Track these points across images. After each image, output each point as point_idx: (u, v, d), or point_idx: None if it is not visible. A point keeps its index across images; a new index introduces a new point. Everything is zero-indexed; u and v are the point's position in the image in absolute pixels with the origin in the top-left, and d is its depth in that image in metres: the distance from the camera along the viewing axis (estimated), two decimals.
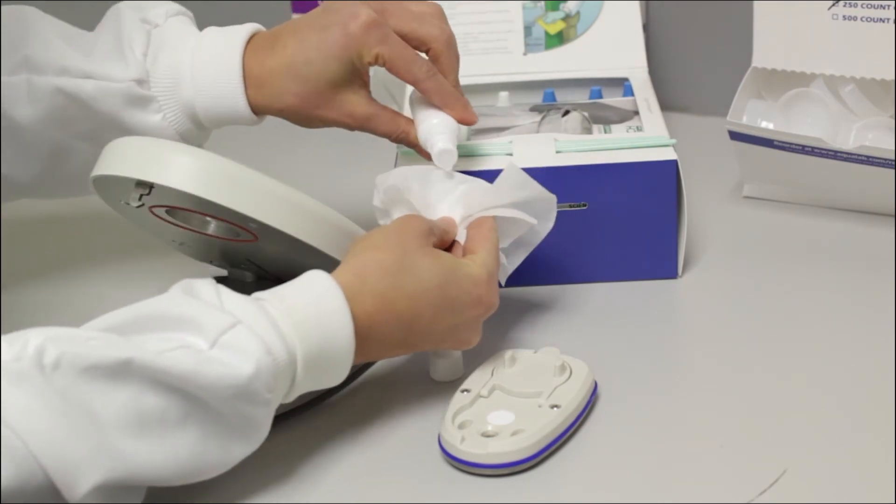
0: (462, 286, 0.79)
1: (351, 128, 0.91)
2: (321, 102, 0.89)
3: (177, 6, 0.94)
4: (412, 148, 0.92)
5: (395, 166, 0.93)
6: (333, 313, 0.74)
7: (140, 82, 0.91)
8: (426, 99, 0.90)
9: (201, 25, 0.94)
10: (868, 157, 0.99)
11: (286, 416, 0.81)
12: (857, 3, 1.00)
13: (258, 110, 0.91)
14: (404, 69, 0.88)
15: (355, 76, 0.89)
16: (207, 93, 0.90)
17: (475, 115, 0.91)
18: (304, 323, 0.73)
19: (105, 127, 0.92)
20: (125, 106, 0.91)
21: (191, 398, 0.69)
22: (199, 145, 0.94)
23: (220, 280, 0.88)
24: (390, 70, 0.88)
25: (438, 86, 0.88)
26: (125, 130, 0.92)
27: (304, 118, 0.91)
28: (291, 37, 0.89)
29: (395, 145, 0.97)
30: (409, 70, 0.88)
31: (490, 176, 0.86)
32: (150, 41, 0.91)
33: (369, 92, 0.91)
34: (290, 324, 0.73)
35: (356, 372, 0.86)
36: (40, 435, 0.63)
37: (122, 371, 0.66)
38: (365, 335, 0.76)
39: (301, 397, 0.81)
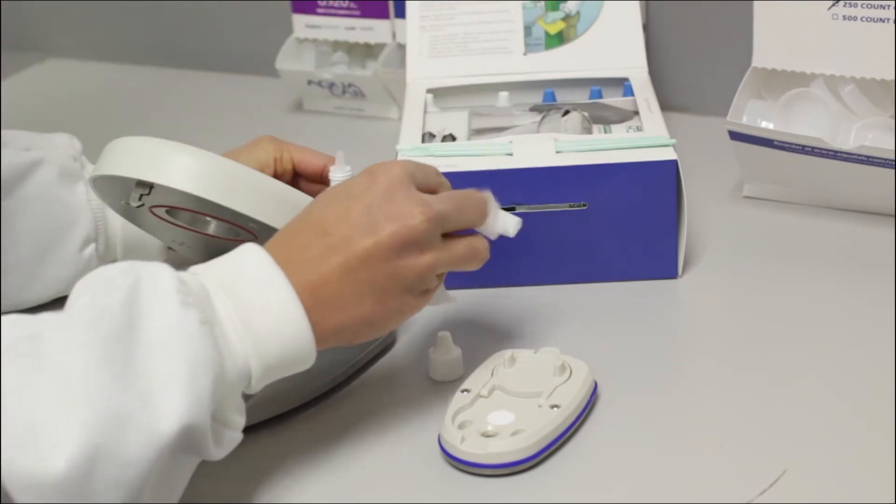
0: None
1: None
2: None
3: None
4: None
5: None
6: (238, 250, 0.73)
7: (75, 159, 0.97)
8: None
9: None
10: (868, 157, 0.99)
11: (285, 416, 0.81)
12: (857, 3, 1.00)
13: None
14: (312, 157, 0.96)
15: (270, 168, 0.95)
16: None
17: None
18: (209, 265, 0.73)
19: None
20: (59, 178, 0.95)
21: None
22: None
23: None
24: (299, 165, 0.96)
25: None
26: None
27: None
28: None
29: (394, 147, 0.98)
30: (315, 156, 0.96)
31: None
32: None
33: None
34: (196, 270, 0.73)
35: (355, 372, 0.86)
36: None
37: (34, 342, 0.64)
38: (282, 253, 0.73)
39: (300, 396, 0.81)
